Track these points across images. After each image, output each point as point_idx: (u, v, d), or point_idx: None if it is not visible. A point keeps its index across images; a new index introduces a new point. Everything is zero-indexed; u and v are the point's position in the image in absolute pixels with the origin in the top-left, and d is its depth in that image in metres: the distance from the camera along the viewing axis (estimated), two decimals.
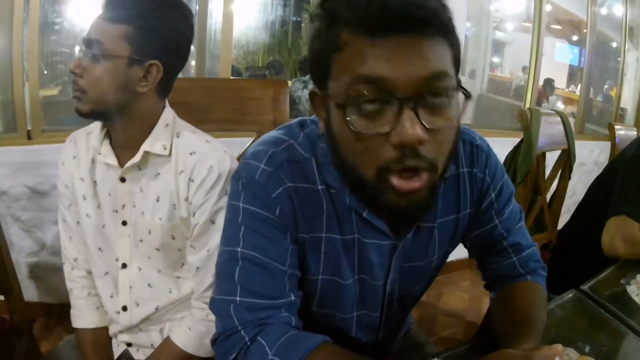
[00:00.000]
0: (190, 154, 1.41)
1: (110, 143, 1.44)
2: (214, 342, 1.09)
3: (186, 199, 1.42)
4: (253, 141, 1.66)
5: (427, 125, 0.87)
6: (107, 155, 1.43)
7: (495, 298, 1.34)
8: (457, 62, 0.95)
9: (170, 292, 1.53)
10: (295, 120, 1.20)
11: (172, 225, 1.45)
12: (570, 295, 1.48)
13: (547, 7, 5.21)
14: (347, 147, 0.95)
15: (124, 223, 1.48)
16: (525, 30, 6.09)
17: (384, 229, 1.13)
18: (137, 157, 1.40)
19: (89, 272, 1.60)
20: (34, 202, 2.70)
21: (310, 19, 1.14)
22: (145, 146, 1.40)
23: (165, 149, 1.41)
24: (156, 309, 1.53)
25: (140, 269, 1.51)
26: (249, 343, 1.01)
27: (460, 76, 0.97)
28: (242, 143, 1.71)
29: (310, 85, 5.15)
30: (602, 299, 1.45)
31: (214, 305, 1.11)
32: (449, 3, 0.92)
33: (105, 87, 1.31)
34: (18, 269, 1.77)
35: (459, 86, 0.93)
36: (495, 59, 7.13)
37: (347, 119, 0.90)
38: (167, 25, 1.34)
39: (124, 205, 1.46)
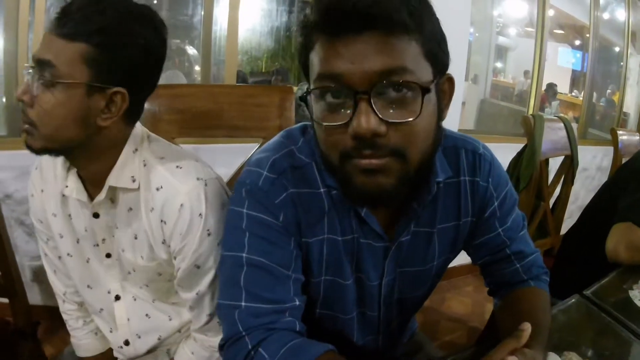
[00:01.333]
0: (157, 189, 1.23)
1: (78, 174, 1.28)
2: (221, 347, 1.11)
3: (163, 242, 1.27)
4: (258, 147, 1.66)
5: (383, 118, 0.91)
6: (75, 190, 1.26)
7: (499, 304, 1.35)
8: (430, 57, 0.97)
9: (170, 319, 1.44)
10: (297, 125, 1.23)
11: (155, 265, 1.32)
12: (573, 300, 1.48)
13: (550, 12, 5.21)
14: (318, 136, 1.03)
15: (108, 255, 1.35)
16: (527, 35, 6.10)
17: (378, 230, 1.15)
18: (102, 194, 1.24)
19: (80, 304, 1.53)
20: None
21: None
22: (111, 180, 1.23)
23: (133, 181, 1.24)
24: (159, 339, 1.45)
25: (134, 299, 1.41)
26: (252, 352, 1.03)
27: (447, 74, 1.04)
28: (249, 149, 1.69)
29: None
30: (605, 304, 1.45)
31: (219, 310, 1.12)
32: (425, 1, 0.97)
33: (60, 121, 1.11)
34: (22, 273, 1.77)
35: (430, 83, 0.96)
36: (498, 64, 7.14)
37: (314, 112, 0.99)
38: (135, 42, 1.12)
39: (104, 239, 1.33)
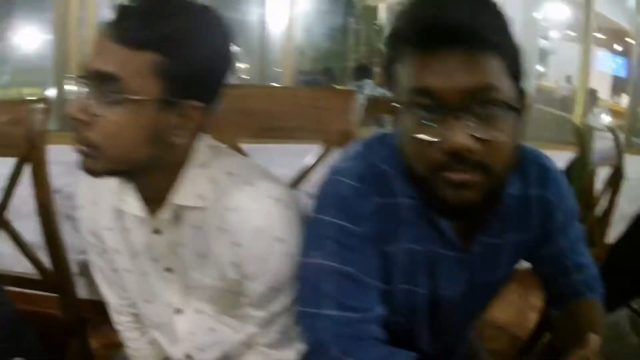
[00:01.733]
0: (230, 209, 1.13)
1: (135, 188, 1.19)
2: (303, 357, 1.13)
3: (235, 265, 1.16)
4: (325, 152, 1.65)
5: (476, 135, 0.93)
6: (132, 206, 1.18)
7: (558, 316, 1.34)
8: (514, 75, 1.00)
9: (235, 332, 1.32)
10: (374, 135, 1.23)
11: (224, 284, 1.21)
12: (622, 312, 1.47)
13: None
14: (407, 148, 1.02)
15: (169, 270, 1.25)
16: (569, 39, 6.02)
17: (455, 241, 1.15)
18: (167, 214, 1.15)
19: (137, 315, 1.41)
20: None
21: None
22: (176, 198, 1.14)
23: (201, 199, 1.14)
24: (223, 352, 1.32)
25: (197, 313, 1.29)
26: None
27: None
28: (307, 150, 1.67)
29: (366, 90, 5.16)
30: None
31: (301, 319, 1.12)
32: (505, 16, 0.99)
33: (129, 142, 1.02)
34: None
35: (514, 99, 0.99)
36: (540, 68, 7.06)
37: (406, 124, 0.98)
38: (207, 49, 1.04)
39: (163, 254, 1.23)
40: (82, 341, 1.86)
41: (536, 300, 1.43)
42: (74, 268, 2.85)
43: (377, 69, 6.69)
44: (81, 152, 1.03)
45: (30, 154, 1.67)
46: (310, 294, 1.10)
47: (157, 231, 1.19)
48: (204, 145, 1.17)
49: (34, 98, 1.73)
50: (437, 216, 1.11)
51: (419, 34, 0.94)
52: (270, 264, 1.13)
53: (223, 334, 1.29)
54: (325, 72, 6.80)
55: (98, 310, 2.81)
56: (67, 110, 0.99)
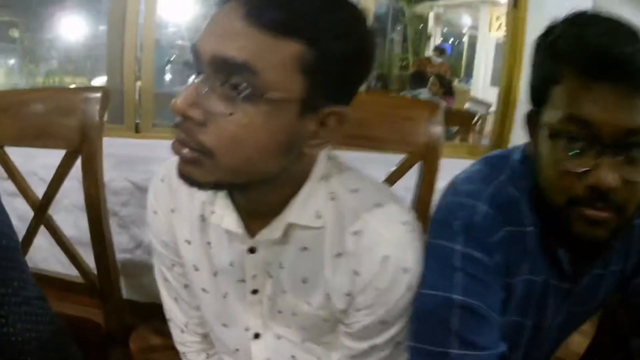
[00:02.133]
0: (354, 233, 0.98)
1: (231, 199, 1.02)
2: None
3: (348, 294, 1.02)
4: (403, 161, 1.54)
5: (623, 176, 0.89)
6: (227, 220, 1.02)
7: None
8: None
9: None
10: (497, 153, 1.20)
11: (325, 313, 1.07)
12: None
13: None
14: (546, 173, 0.98)
15: (255, 292, 1.10)
16: None
17: (569, 272, 1.10)
18: (277, 233, 0.99)
19: (204, 335, 1.29)
20: (135, 198, 2.58)
21: (535, 49, 1.00)
22: (290, 216, 0.98)
23: (318, 217, 0.99)
24: None
25: (278, 338, 1.15)
26: None
27: None
28: (385, 159, 1.56)
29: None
30: None
31: (417, 354, 1.03)
32: None
33: (257, 151, 0.84)
34: None
35: None
36: None
37: (551, 149, 0.94)
38: (357, 44, 0.86)
39: (255, 275, 1.08)
40: (124, 352, 1.74)
41: (585, 325, 1.36)
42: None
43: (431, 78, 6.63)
44: (185, 157, 0.85)
45: (82, 147, 1.53)
46: (431, 329, 1.02)
47: (252, 250, 1.04)
48: (324, 154, 1.01)
49: (91, 86, 1.58)
50: (558, 247, 1.07)
51: (587, 61, 0.88)
52: (390, 296, 1.00)
53: None
54: (379, 78, 6.74)
55: (136, 311, 2.75)
56: (174, 104, 0.81)
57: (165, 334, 2.63)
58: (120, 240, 2.67)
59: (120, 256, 2.67)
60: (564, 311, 1.18)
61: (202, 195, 1.05)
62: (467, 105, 7.68)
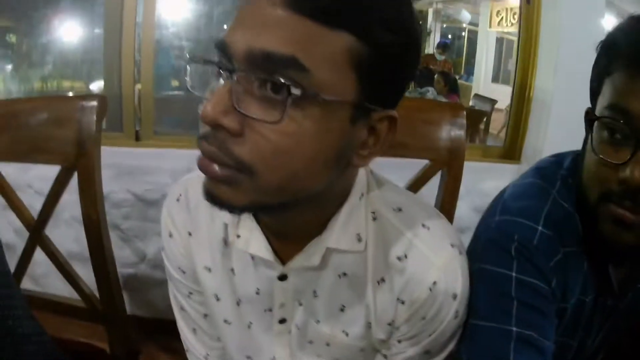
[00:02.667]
0: (399, 258, 0.89)
1: (257, 220, 0.91)
2: None
3: (390, 324, 0.93)
4: (425, 169, 1.47)
5: None
6: (254, 245, 0.91)
7: None
8: None
9: None
10: (549, 159, 1.15)
11: (363, 344, 0.98)
12: None
13: None
14: (586, 165, 0.98)
15: (282, 321, 1.00)
16: None
17: (616, 289, 1.07)
18: (315, 259, 0.88)
19: None
20: (138, 210, 2.52)
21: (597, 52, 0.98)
22: (329, 240, 0.86)
23: (360, 240, 0.88)
24: None
25: None
26: None
27: None
28: (403, 164, 1.43)
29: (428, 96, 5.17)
30: None
31: None
32: None
33: (304, 163, 0.71)
34: None
35: None
36: None
37: (595, 139, 0.93)
38: (410, 41, 0.73)
39: (282, 304, 0.97)
40: None
41: None
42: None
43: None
44: (217, 176, 0.70)
45: (78, 162, 1.42)
46: None
47: (282, 277, 0.93)
48: (362, 171, 0.90)
49: (86, 94, 1.47)
50: (603, 260, 1.04)
51: (634, 54, 0.88)
52: (436, 325, 0.91)
53: None
54: None
55: (142, 327, 2.67)
56: (205, 112, 0.66)
57: (172, 350, 2.56)
58: (122, 254, 2.60)
59: (123, 271, 2.60)
60: (606, 328, 1.14)
61: (224, 216, 0.93)
62: (471, 103, 7.63)
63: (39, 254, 1.57)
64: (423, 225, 0.91)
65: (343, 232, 0.87)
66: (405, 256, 0.89)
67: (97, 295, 1.54)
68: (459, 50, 13.76)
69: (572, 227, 1.02)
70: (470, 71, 12.09)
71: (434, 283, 0.87)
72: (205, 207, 0.97)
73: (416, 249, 0.89)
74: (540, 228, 0.99)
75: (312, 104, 0.66)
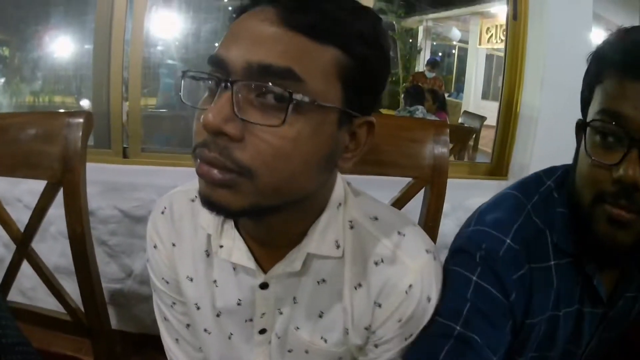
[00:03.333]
0: (376, 263, 0.94)
1: (237, 229, 0.95)
2: None
3: (367, 328, 0.97)
4: (409, 186, 1.47)
5: None
6: (237, 254, 0.94)
7: None
8: None
9: None
10: (533, 176, 1.17)
11: (341, 351, 1.01)
12: None
13: None
14: (579, 170, 1.00)
15: (263, 331, 1.04)
16: None
17: (604, 297, 1.08)
18: (296, 265, 0.92)
19: None
20: (124, 226, 2.51)
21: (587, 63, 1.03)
22: (310, 246, 0.91)
23: (338, 247, 0.93)
24: None
25: None
26: None
27: None
28: (388, 183, 1.46)
29: (417, 115, 5.16)
30: None
31: None
32: None
33: (300, 165, 0.76)
34: None
35: None
36: None
37: (587, 144, 0.95)
38: (383, 53, 0.82)
39: (263, 314, 1.01)
40: None
41: None
42: (106, 297, 2.66)
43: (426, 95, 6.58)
44: (217, 180, 0.74)
45: (64, 177, 1.43)
46: (420, 354, 0.98)
47: (263, 286, 0.97)
48: (340, 181, 0.96)
49: (72, 111, 1.47)
50: (590, 267, 1.06)
51: (624, 60, 0.91)
52: (411, 329, 0.96)
53: None
54: None
55: (127, 341, 2.66)
56: (206, 120, 0.70)
57: None
58: (109, 270, 2.59)
59: (110, 286, 2.60)
60: (597, 337, 1.16)
61: (208, 228, 0.97)
62: (460, 120, 7.63)
63: (28, 268, 1.57)
64: (399, 233, 0.96)
65: (322, 238, 0.92)
66: (382, 260, 0.94)
67: (83, 309, 1.54)
68: (449, 67, 13.81)
69: (542, 243, 1.05)
70: (460, 88, 12.13)
71: (410, 286, 0.92)
72: (189, 220, 1.03)
73: (392, 254, 0.94)
74: (508, 241, 1.02)
75: (309, 110, 0.73)
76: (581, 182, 0.98)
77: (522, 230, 1.04)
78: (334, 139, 0.79)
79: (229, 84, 0.72)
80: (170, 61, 4.08)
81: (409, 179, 1.48)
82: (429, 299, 0.94)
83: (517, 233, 1.03)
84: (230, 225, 0.95)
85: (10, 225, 1.53)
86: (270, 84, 0.71)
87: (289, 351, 1.04)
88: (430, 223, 1.48)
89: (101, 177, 2.47)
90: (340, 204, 0.95)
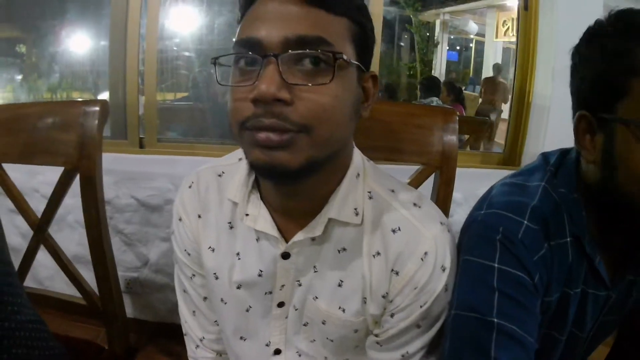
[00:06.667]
0: (393, 231, 0.99)
1: (262, 199, 1.03)
2: None
3: (384, 296, 1.02)
4: (418, 172, 1.47)
5: None
6: (261, 222, 1.02)
7: None
8: None
9: None
10: (534, 162, 1.17)
11: (358, 321, 1.06)
12: None
13: None
14: (635, 173, 0.92)
15: (281, 304, 1.09)
16: None
17: (606, 279, 1.08)
18: (317, 230, 0.98)
19: (220, 353, 1.26)
20: (140, 215, 2.54)
21: (589, 39, 1.01)
22: (331, 212, 0.97)
23: (357, 214, 0.99)
24: None
25: (299, 355, 1.14)
26: None
27: None
28: (398, 170, 1.44)
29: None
30: None
31: None
32: None
33: (342, 116, 0.88)
34: None
35: None
36: None
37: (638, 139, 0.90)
38: (371, 21, 0.96)
39: (283, 286, 1.07)
40: None
41: None
42: (121, 284, 2.70)
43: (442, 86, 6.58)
44: (279, 142, 0.83)
45: (81, 163, 1.46)
46: (468, 352, 0.98)
47: (285, 255, 1.03)
48: (358, 153, 1.05)
49: (88, 99, 1.50)
50: (597, 254, 1.05)
51: None
52: (427, 297, 0.99)
53: None
54: (385, 87, 6.69)
55: (142, 330, 2.70)
56: (262, 91, 0.80)
57: (172, 353, 2.58)
58: (125, 258, 2.62)
59: (125, 275, 2.64)
60: (598, 320, 1.15)
61: (236, 197, 1.04)
62: (476, 113, 7.61)
63: (44, 257, 1.61)
64: (415, 204, 1.02)
65: (342, 205, 0.98)
66: (399, 229, 0.99)
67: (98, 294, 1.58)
68: (467, 61, 13.73)
69: (558, 220, 1.04)
70: (477, 81, 12.05)
71: (425, 254, 0.97)
72: (215, 193, 1.11)
73: (409, 223, 0.99)
74: (525, 222, 1.01)
75: (344, 67, 0.86)
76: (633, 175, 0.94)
77: (538, 209, 1.03)
78: (357, 91, 0.92)
79: (272, 58, 0.82)
80: (187, 53, 4.11)
81: (418, 168, 1.50)
82: (443, 268, 0.98)
83: (533, 213, 1.02)
84: (256, 196, 1.03)
85: (27, 212, 1.57)
86: (304, 52, 0.83)
87: (305, 324, 1.09)
88: (441, 209, 1.48)
89: (117, 166, 2.51)
90: (359, 174, 1.02)
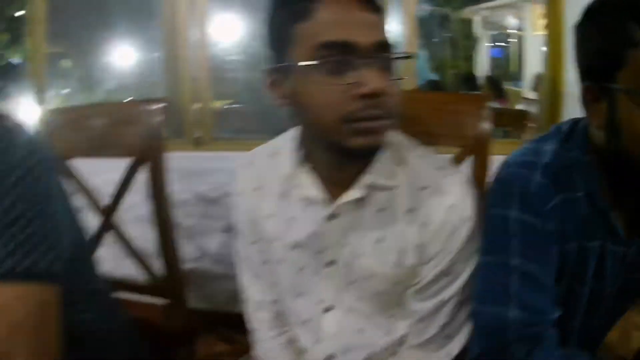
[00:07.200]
0: (422, 188, 1.17)
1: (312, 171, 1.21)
2: (476, 357, 1.11)
3: (418, 246, 1.17)
4: (461, 158, 1.56)
5: None
6: (312, 189, 1.19)
7: None
8: None
9: (385, 334, 1.25)
10: (551, 129, 1.24)
11: (400, 272, 1.19)
12: None
13: None
14: (636, 134, 1.01)
15: (330, 263, 1.23)
16: None
17: (622, 235, 1.13)
18: (358, 192, 1.15)
19: (277, 315, 1.38)
20: (199, 208, 2.68)
21: (588, 16, 1.09)
22: (370, 177, 1.15)
23: (393, 178, 1.17)
24: (367, 355, 1.25)
25: (349, 311, 1.25)
26: None
27: None
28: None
29: None
30: None
31: (481, 318, 1.12)
32: None
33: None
34: None
35: None
36: None
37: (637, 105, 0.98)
38: None
39: (332, 245, 1.22)
40: (189, 354, 1.78)
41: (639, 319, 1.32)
42: None
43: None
44: (387, 127, 1.08)
45: (147, 155, 1.61)
46: (491, 293, 1.11)
47: (332, 217, 1.19)
48: None
49: (147, 99, 1.65)
50: (612, 210, 1.12)
51: None
52: (454, 243, 1.15)
53: (372, 335, 1.24)
54: (429, 83, 6.74)
55: (202, 320, 2.80)
56: (375, 88, 1.01)
57: (231, 341, 2.68)
58: (185, 250, 2.71)
59: (185, 266, 2.74)
60: (621, 277, 1.20)
61: (285, 172, 1.23)
62: (519, 107, 7.59)
63: (103, 252, 1.74)
64: (441, 168, 1.22)
65: (380, 170, 1.16)
66: (427, 187, 1.17)
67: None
68: (508, 56, 13.59)
69: (568, 176, 1.12)
70: (518, 77, 11.90)
71: (451, 206, 1.15)
72: (268, 169, 1.30)
73: (437, 181, 1.17)
74: (537, 176, 1.11)
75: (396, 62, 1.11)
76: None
77: (548, 166, 1.12)
78: None
79: (375, 60, 1.04)
80: (235, 57, 4.25)
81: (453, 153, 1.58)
82: (467, 218, 1.15)
83: (543, 169, 1.12)
84: (305, 169, 1.20)
85: (95, 200, 1.75)
86: (387, 54, 1.08)
87: (353, 282, 1.23)
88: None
89: (177, 165, 2.61)
90: (393, 144, 1.18)
